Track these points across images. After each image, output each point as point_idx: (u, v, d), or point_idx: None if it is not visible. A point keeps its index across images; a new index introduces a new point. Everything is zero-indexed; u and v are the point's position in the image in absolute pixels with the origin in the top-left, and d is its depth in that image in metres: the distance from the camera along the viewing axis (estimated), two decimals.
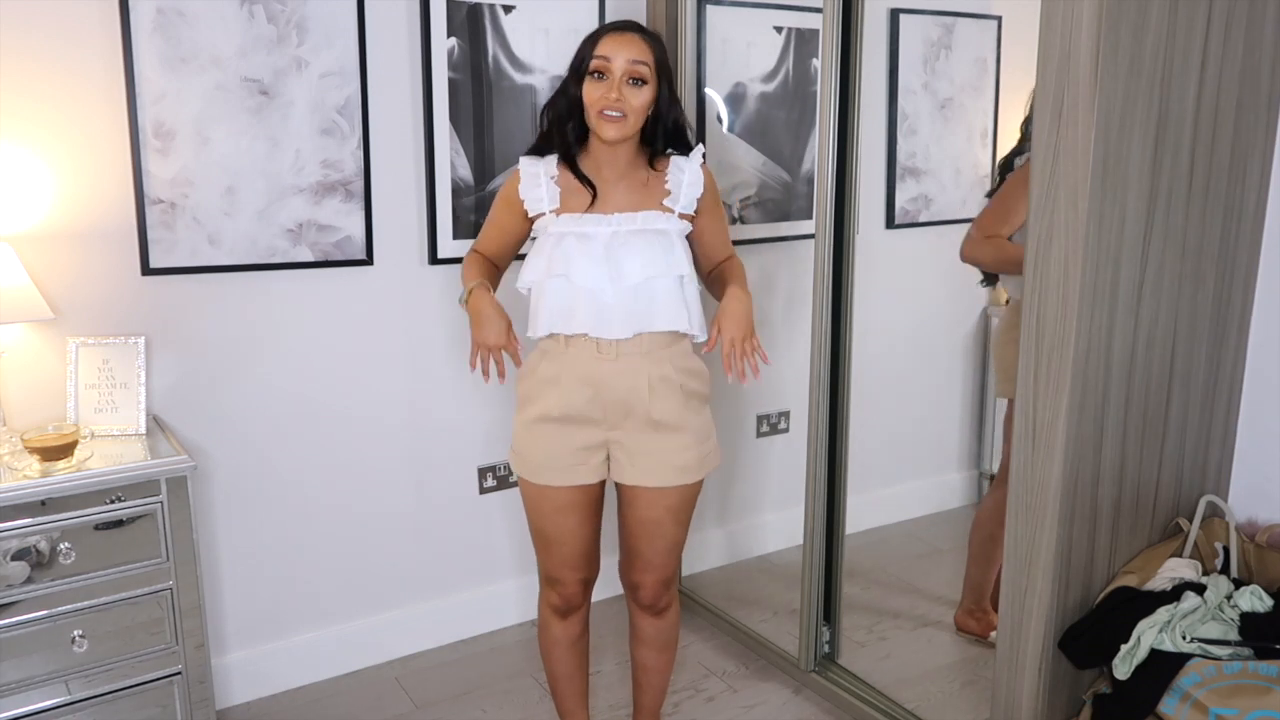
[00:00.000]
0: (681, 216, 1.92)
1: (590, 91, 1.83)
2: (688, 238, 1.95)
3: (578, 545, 2.00)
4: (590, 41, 1.85)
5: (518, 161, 1.97)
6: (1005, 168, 2.48)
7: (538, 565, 2.08)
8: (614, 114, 1.80)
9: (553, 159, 1.93)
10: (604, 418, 1.90)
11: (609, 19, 2.70)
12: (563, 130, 1.91)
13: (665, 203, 1.91)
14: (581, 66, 1.85)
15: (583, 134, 1.92)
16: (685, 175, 1.92)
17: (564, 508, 1.96)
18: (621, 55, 1.80)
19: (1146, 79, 1.68)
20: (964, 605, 2.68)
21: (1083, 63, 1.61)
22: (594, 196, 1.88)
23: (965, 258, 2.44)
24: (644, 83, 1.82)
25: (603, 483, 2.00)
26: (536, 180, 1.91)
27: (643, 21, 2.77)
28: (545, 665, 2.18)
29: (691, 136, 1.99)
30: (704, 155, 1.96)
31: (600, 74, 1.82)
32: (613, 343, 1.87)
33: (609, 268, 1.84)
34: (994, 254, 2.39)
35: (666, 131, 1.92)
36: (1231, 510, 1.99)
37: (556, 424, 1.91)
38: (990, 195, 2.51)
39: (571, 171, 1.90)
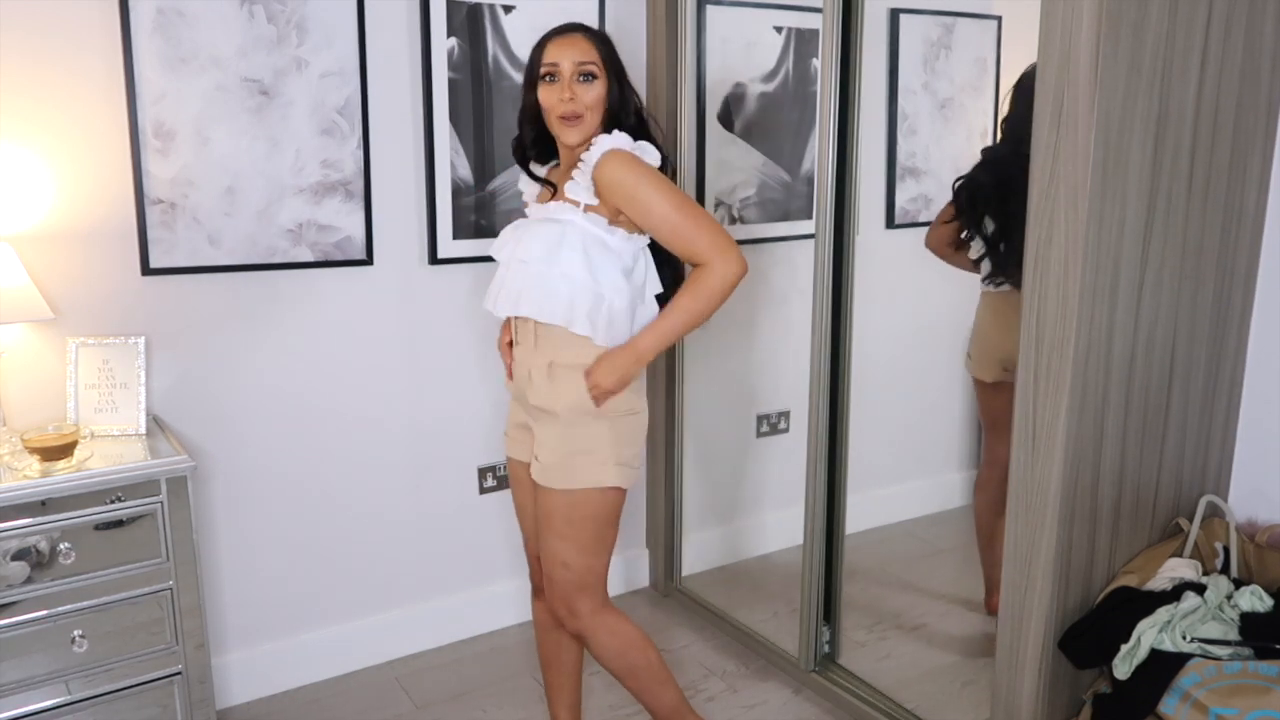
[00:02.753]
0: (593, 210, 1.82)
1: (546, 96, 1.85)
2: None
3: (527, 522, 2.08)
4: (538, 48, 1.88)
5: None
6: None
7: None
8: (570, 117, 1.83)
9: (539, 169, 2.00)
10: (520, 394, 1.98)
11: (609, 19, 2.70)
12: (522, 139, 1.96)
13: (570, 194, 1.85)
14: (533, 74, 1.88)
15: (541, 140, 1.95)
16: (588, 163, 1.82)
17: (519, 479, 2.06)
18: (567, 57, 1.83)
19: (1146, 79, 1.68)
20: (994, 592, 2.69)
21: (1083, 63, 1.61)
22: (553, 194, 1.91)
23: (928, 244, 2.58)
24: (594, 78, 1.84)
25: None
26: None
27: (643, 21, 2.78)
28: None
29: (652, 124, 1.93)
30: (623, 140, 1.82)
31: (551, 77, 1.85)
32: (519, 322, 1.92)
33: (505, 251, 1.92)
34: (933, 233, 2.54)
35: (631, 129, 1.88)
36: (1231, 510, 1.99)
37: (511, 395, 2.04)
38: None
39: (528, 174, 1.97)
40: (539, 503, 1.93)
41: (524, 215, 2.01)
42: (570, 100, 1.82)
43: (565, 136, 1.86)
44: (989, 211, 2.43)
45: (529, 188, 1.99)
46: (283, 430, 2.47)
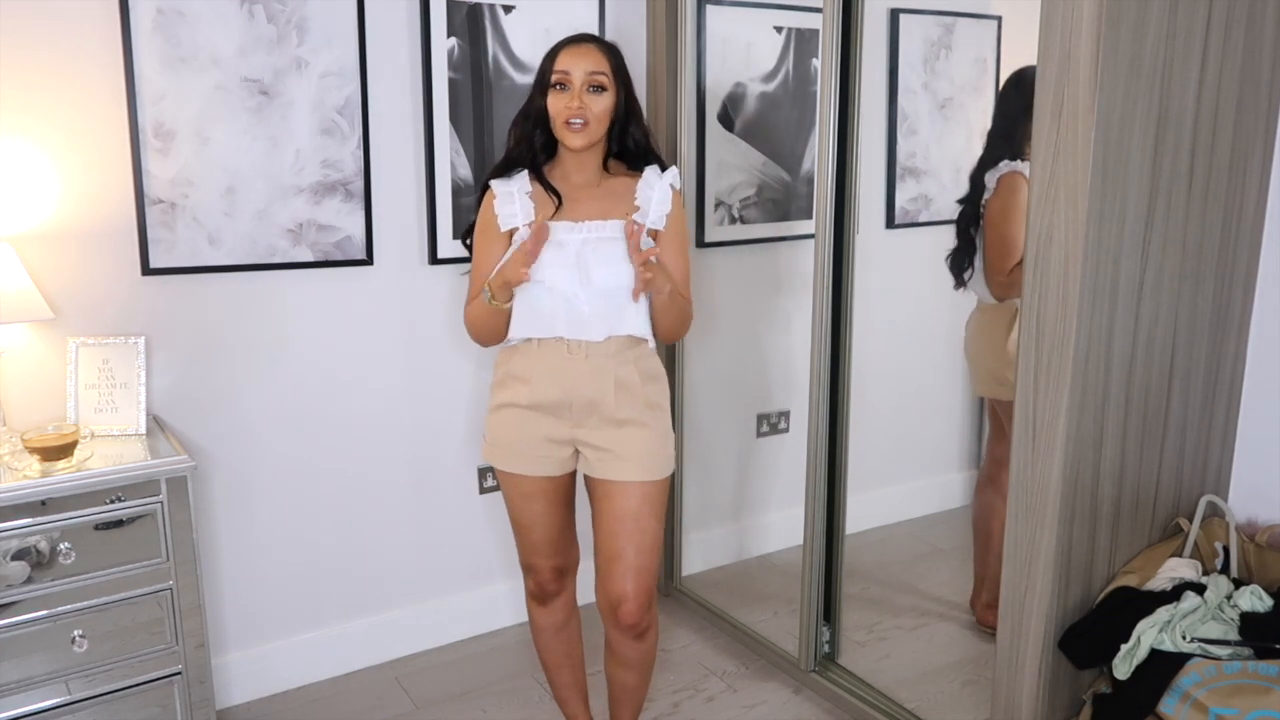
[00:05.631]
0: (649, 233, 1.97)
1: (554, 103, 1.90)
2: None
3: (546, 532, 2.07)
4: (550, 56, 1.93)
5: (483, 185, 2.03)
6: (976, 182, 2.47)
7: (517, 552, 2.14)
8: (577, 122, 1.88)
9: (522, 175, 1.99)
10: (570, 415, 1.97)
11: (609, 19, 2.70)
12: (530, 142, 1.98)
13: (635, 217, 1.95)
14: (544, 80, 1.92)
15: (550, 145, 1.99)
16: (655, 193, 1.97)
17: (531, 494, 2.03)
18: (580, 66, 1.89)
19: (1146, 79, 1.68)
20: (984, 600, 2.68)
21: (1083, 63, 1.61)
22: (559, 204, 1.95)
23: (1002, 298, 2.46)
24: (603, 90, 1.90)
25: (571, 475, 2.06)
26: (510, 198, 1.97)
27: (643, 22, 2.78)
28: (537, 653, 2.24)
29: (660, 152, 2.05)
30: (678, 177, 2.01)
31: (562, 85, 1.90)
32: (582, 344, 1.93)
33: (579, 273, 1.91)
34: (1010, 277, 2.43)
35: (638, 144, 1.99)
36: (1231, 510, 1.99)
37: (524, 410, 1.98)
38: (962, 202, 2.52)
39: (539, 182, 1.97)
40: (628, 500, 1.96)
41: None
42: (579, 109, 1.87)
43: (570, 141, 1.91)
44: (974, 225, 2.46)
45: (521, 205, 1.96)
46: (283, 430, 2.47)
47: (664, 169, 2.00)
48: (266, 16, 2.27)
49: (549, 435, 1.98)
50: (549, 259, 1.91)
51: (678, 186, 2.00)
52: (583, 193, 1.97)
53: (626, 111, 1.95)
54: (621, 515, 1.98)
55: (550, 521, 2.06)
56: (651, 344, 2.02)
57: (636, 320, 1.95)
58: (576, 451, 2.01)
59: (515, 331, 1.97)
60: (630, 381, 1.96)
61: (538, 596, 2.15)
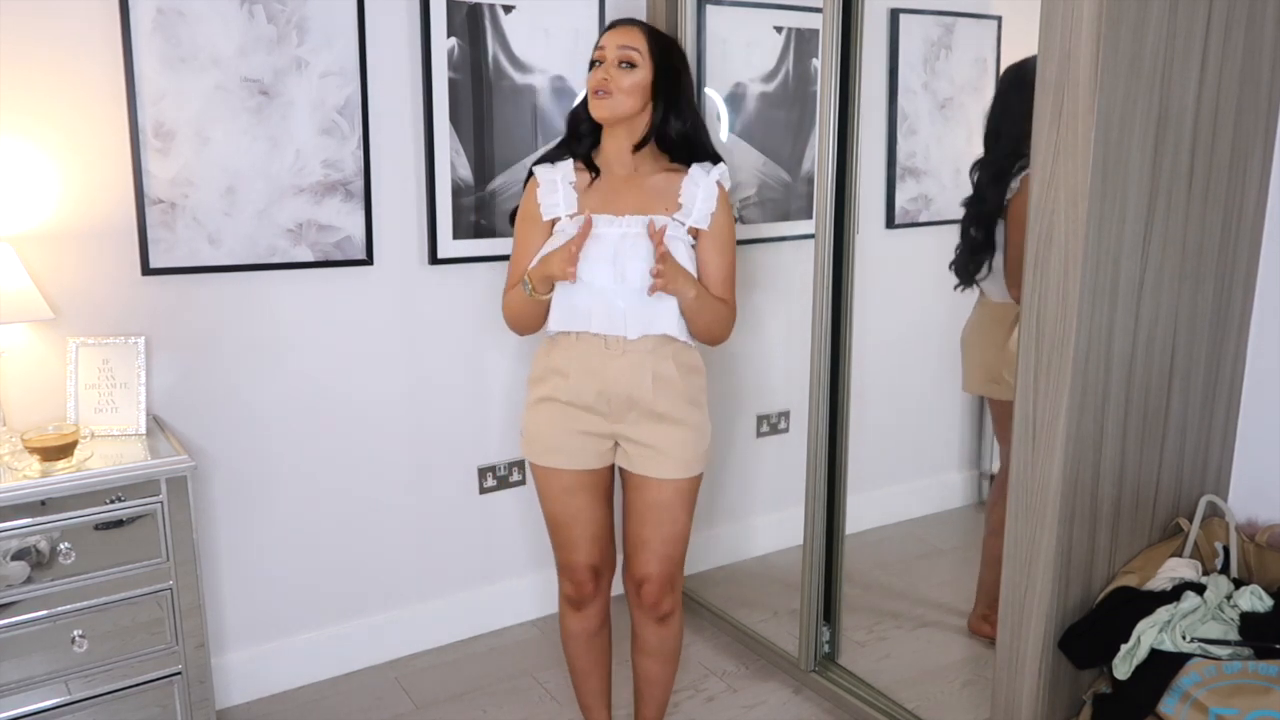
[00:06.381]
0: (690, 230, 1.95)
1: (589, 80, 1.93)
2: None
3: (585, 528, 2.04)
4: (598, 38, 1.98)
5: (529, 172, 2.04)
6: (994, 181, 2.45)
7: (554, 554, 2.12)
8: (602, 93, 1.90)
9: (567, 164, 1.99)
10: (609, 410, 1.96)
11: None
12: (575, 125, 2.01)
13: (676, 215, 1.94)
14: (591, 60, 1.96)
15: (595, 129, 1.99)
16: (700, 189, 1.94)
17: (571, 488, 2.01)
18: (614, 42, 1.92)
19: (1146, 79, 1.68)
20: (978, 610, 2.67)
21: (1083, 63, 1.61)
22: (595, 176, 1.96)
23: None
24: (634, 66, 1.90)
25: (610, 469, 2.05)
26: (554, 186, 1.97)
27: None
28: (566, 658, 2.23)
29: (707, 142, 2.02)
30: (726, 175, 1.98)
31: (598, 61, 1.93)
32: (619, 339, 1.92)
33: (615, 268, 1.89)
34: None
35: (679, 135, 1.96)
36: (1231, 510, 1.99)
37: (563, 405, 1.97)
38: (968, 203, 2.50)
39: (585, 165, 1.98)
40: (662, 493, 1.97)
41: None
42: (605, 80, 1.89)
43: (595, 110, 1.92)
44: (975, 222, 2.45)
45: (564, 195, 1.95)
46: (283, 430, 2.47)
47: (715, 163, 1.98)
48: (266, 16, 2.26)
49: (588, 429, 1.98)
50: (586, 252, 1.89)
51: (727, 185, 1.98)
52: (624, 185, 1.96)
53: (667, 98, 1.93)
54: (654, 505, 1.99)
55: (590, 517, 2.04)
56: (690, 341, 2.00)
57: (671, 319, 1.93)
58: (615, 445, 2.00)
59: (552, 325, 1.96)
60: (669, 375, 1.95)
61: (574, 602, 2.12)
